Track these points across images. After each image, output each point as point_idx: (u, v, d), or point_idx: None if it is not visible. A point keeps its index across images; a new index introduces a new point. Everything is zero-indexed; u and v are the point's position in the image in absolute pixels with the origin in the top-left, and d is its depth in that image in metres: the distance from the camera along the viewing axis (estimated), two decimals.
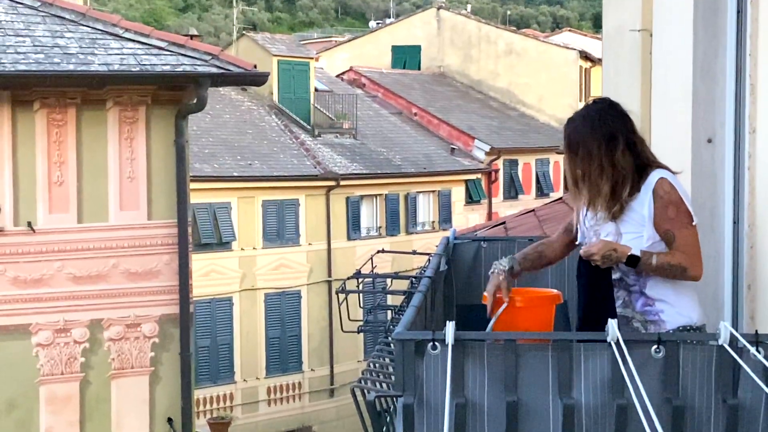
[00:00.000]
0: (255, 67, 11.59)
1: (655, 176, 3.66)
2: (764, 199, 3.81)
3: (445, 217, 29.62)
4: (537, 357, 3.01)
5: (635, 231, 3.68)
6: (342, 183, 26.38)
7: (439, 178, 29.67)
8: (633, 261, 3.59)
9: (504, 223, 13.56)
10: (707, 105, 4.55)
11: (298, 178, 25.82)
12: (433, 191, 29.54)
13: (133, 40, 11.23)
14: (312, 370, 26.09)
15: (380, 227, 27.91)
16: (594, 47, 37.41)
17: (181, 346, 11.25)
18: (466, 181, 30.88)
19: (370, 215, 27.79)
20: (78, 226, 10.93)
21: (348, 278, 4.25)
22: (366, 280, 4.73)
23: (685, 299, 3.65)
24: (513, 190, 33.38)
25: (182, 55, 11.15)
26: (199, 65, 11.05)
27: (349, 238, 26.89)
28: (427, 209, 29.39)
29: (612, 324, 2.91)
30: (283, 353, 25.64)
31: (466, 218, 29.72)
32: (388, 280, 5.27)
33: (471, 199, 31.01)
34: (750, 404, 2.92)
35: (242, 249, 24.90)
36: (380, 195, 27.91)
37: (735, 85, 4.47)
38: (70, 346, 10.87)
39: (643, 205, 3.66)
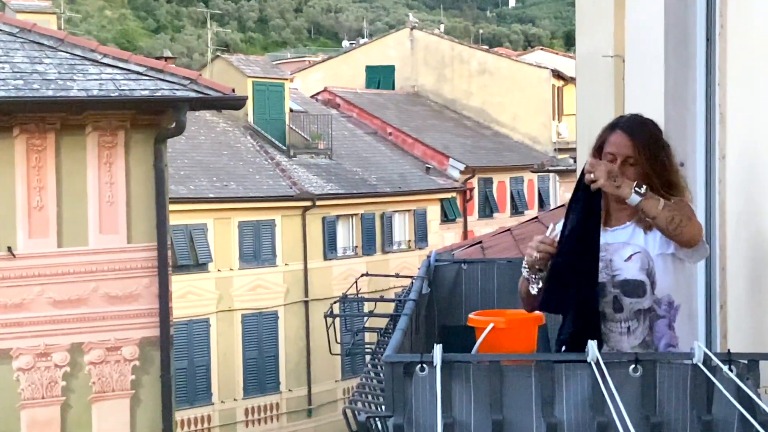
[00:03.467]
0: (233, 91, 11.72)
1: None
2: (734, 223, 3.96)
3: (420, 236, 29.76)
4: (521, 377, 3.13)
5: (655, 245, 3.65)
6: (318, 203, 26.49)
7: (415, 197, 29.83)
8: (640, 189, 3.52)
9: (481, 242, 13.72)
10: (679, 130, 4.70)
11: (274, 199, 25.91)
12: (409, 210, 29.69)
13: (112, 65, 11.34)
14: (290, 390, 26.12)
15: (356, 247, 28.02)
16: (566, 66, 37.76)
17: (162, 369, 11.33)
18: (441, 200, 31.05)
19: (346, 235, 27.89)
20: (58, 250, 11.00)
21: (335, 302, 4.36)
22: (350, 303, 4.84)
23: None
24: (488, 209, 33.59)
25: (160, 79, 11.27)
26: (177, 90, 11.17)
27: (325, 258, 26.97)
28: (402, 228, 29.53)
29: (592, 345, 3.04)
30: (260, 374, 25.66)
31: (442, 237, 29.88)
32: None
33: (446, 218, 31.18)
34: (723, 420, 3.05)
35: (219, 270, 24.94)
36: (356, 215, 28.04)
37: (705, 111, 4.64)
38: (50, 370, 10.92)
39: None
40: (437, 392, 2.86)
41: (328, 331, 4.04)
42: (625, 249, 3.63)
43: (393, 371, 3.11)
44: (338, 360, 26.84)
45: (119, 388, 11.18)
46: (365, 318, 4.76)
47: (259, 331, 25.65)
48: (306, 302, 26.27)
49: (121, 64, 11.35)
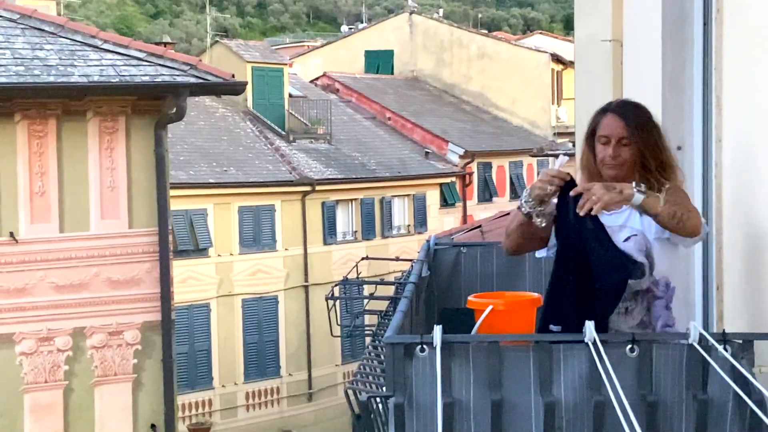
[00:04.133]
0: (233, 76, 11.76)
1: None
2: (730, 205, 4.01)
3: (420, 220, 29.81)
4: (519, 358, 3.19)
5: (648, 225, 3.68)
6: (317, 188, 26.53)
7: (414, 182, 29.86)
8: (641, 190, 3.50)
9: (480, 226, 13.80)
10: (676, 114, 4.75)
11: (274, 184, 25.94)
12: (408, 195, 29.73)
13: (112, 51, 11.38)
14: (290, 374, 26.21)
15: (356, 231, 28.07)
16: (565, 50, 37.73)
17: (164, 353, 11.41)
18: (441, 185, 31.08)
19: (346, 220, 27.94)
20: (60, 235, 11.06)
21: (335, 285, 4.42)
22: (351, 286, 4.90)
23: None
24: (487, 193, 33.62)
25: (161, 65, 11.31)
26: (177, 75, 11.21)
27: (325, 243, 27.03)
28: (402, 213, 29.57)
29: (589, 325, 3.10)
30: (261, 358, 25.74)
31: (441, 221, 29.92)
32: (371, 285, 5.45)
33: (446, 203, 31.20)
34: (718, 399, 3.11)
35: (219, 255, 24.99)
36: (355, 199, 28.07)
37: (702, 95, 4.68)
38: (53, 354, 11.00)
39: None
40: (437, 372, 2.92)
41: (329, 314, 4.10)
42: (622, 231, 3.66)
43: (394, 352, 3.17)
44: (338, 344, 26.93)
45: (121, 372, 11.26)
46: (365, 301, 4.82)
47: (260, 315, 25.73)
48: (306, 287, 26.34)
49: (121, 50, 11.40)
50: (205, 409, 24.54)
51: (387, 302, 5.27)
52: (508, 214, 14.09)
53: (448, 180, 31.41)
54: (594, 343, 3.03)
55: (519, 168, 35.11)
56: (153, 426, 11.34)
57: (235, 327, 25.28)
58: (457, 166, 32.22)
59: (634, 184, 3.53)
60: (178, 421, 19.38)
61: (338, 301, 4.35)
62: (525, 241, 3.89)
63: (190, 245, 24.11)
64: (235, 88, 12.21)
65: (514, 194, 34.17)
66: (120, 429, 11.23)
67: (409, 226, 29.64)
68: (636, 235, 3.63)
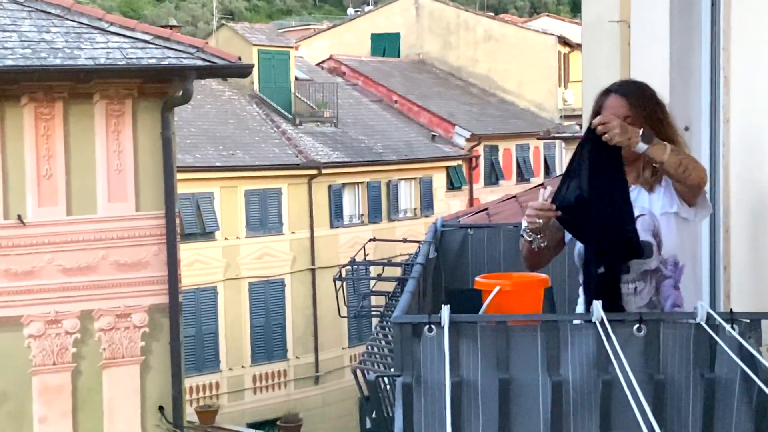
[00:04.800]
0: (240, 59, 11.75)
1: None
2: (738, 185, 4.01)
3: (426, 203, 29.81)
4: (527, 337, 3.20)
5: (668, 203, 3.69)
6: (324, 171, 26.52)
7: (421, 165, 29.84)
8: (647, 137, 3.53)
9: (486, 209, 13.76)
10: (683, 95, 4.75)
11: (280, 167, 25.95)
12: (415, 178, 29.72)
13: (119, 34, 11.37)
14: (297, 357, 26.28)
15: (362, 215, 28.08)
16: (572, 32, 37.62)
17: (171, 336, 11.43)
18: (447, 168, 31.06)
19: (352, 203, 27.95)
20: (67, 218, 11.08)
21: (343, 266, 4.43)
22: (359, 267, 4.91)
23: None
24: (494, 176, 33.60)
25: (167, 48, 11.30)
26: (184, 58, 11.21)
27: (331, 226, 27.05)
28: (408, 196, 29.57)
29: (597, 304, 3.11)
30: (268, 341, 25.80)
31: (448, 205, 29.92)
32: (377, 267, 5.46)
33: (452, 186, 31.20)
34: (726, 378, 3.12)
35: (225, 238, 25.03)
36: (362, 183, 28.07)
37: (710, 76, 4.67)
38: (61, 336, 11.03)
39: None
40: (446, 352, 2.93)
41: (337, 295, 4.10)
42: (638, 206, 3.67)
43: (402, 332, 3.18)
44: (345, 327, 26.99)
45: (129, 354, 11.29)
46: (373, 282, 4.83)
47: (266, 298, 25.77)
48: (312, 270, 26.37)
49: (128, 33, 11.39)
50: (212, 392, 24.62)
51: (394, 284, 5.29)
52: (514, 197, 14.08)
53: (454, 163, 31.39)
54: (602, 323, 3.04)
55: (525, 151, 35.07)
56: (161, 408, 11.39)
57: (242, 310, 25.33)
58: (463, 149, 32.20)
59: (641, 131, 3.53)
60: (186, 403, 19.46)
61: (346, 282, 4.36)
62: (541, 257, 3.96)
63: (196, 228, 24.15)
64: (242, 71, 12.20)
65: (521, 177, 34.15)
66: (128, 411, 11.27)
67: (415, 209, 29.64)
68: (644, 214, 3.64)
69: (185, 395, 12.12)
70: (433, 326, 3.17)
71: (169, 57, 11.17)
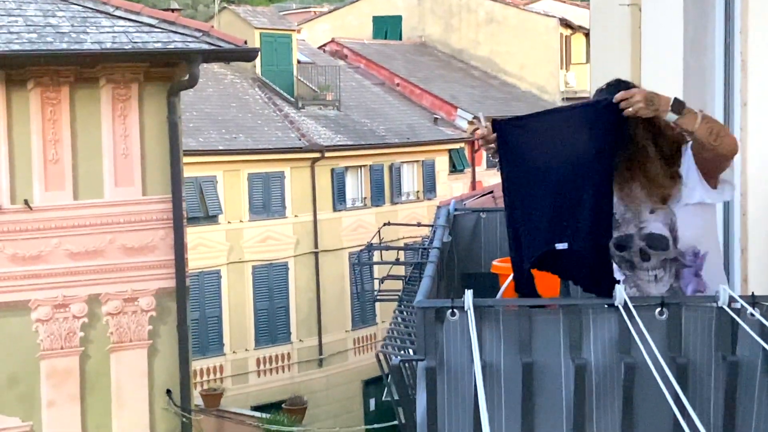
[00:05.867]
0: (245, 43, 11.74)
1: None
2: (755, 169, 4.02)
3: (429, 186, 29.80)
4: (549, 321, 3.22)
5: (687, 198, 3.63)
6: (326, 155, 26.51)
7: (423, 147, 29.82)
8: (678, 106, 3.42)
9: (492, 192, 13.81)
10: (697, 78, 4.75)
11: (283, 151, 25.93)
12: (417, 161, 29.71)
13: (124, 18, 11.36)
14: (300, 340, 26.33)
15: (365, 198, 28.08)
16: (574, 14, 37.55)
17: (178, 319, 11.46)
18: (450, 151, 31.04)
19: (355, 186, 27.94)
20: (74, 203, 11.08)
21: (361, 250, 4.44)
22: (372, 252, 4.93)
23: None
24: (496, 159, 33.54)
25: (173, 32, 11.29)
26: (190, 42, 11.19)
27: (334, 209, 27.05)
28: (411, 179, 29.56)
29: (619, 288, 3.13)
30: (271, 324, 25.85)
31: (450, 187, 29.91)
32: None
33: (455, 169, 31.18)
34: (748, 361, 3.14)
35: (229, 222, 25.04)
36: (365, 166, 28.06)
37: (724, 60, 4.68)
38: (69, 321, 11.06)
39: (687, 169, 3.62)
40: (472, 336, 2.95)
41: (356, 279, 4.12)
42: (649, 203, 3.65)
43: (425, 316, 3.20)
44: (348, 310, 27.04)
45: (137, 338, 11.32)
46: (388, 266, 4.85)
47: (270, 282, 25.80)
48: (316, 253, 26.40)
49: (133, 17, 11.38)
50: (217, 375, 24.68)
51: (401, 267, 5.30)
52: None
53: (457, 146, 31.36)
54: (625, 306, 3.06)
55: None
56: (169, 392, 11.43)
57: (246, 293, 25.37)
58: (465, 131, 32.17)
59: (672, 99, 3.43)
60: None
61: (363, 266, 4.38)
62: None
63: (200, 212, 24.16)
64: (247, 55, 12.21)
65: None
66: (136, 395, 11.31)
67: (418, 192, 29.64)
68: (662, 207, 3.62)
69: (192, 378, 12.16)
70: (455, 310, 3.19)
71: (175, 41, 11.16)
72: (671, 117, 3.43)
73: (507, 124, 3.63)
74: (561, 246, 3.44)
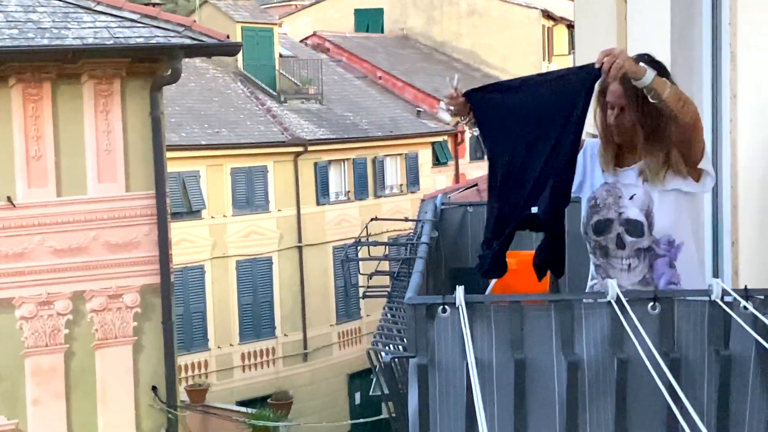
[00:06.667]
0: (228, 37, 11.68)
1: None
2: (745, 161, 4.01)
3: (412, 179, 29.77)
4: (540, 316, 3.20)
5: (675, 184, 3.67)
6: (309, 148, 26.44)
7: (406, 141, 29.78)
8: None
9: (477, 185, 13.80)
10: (685, 71, 4.73)
11: (266, 145, 25.85)
12: (400, 154, 29.67)
13: (106, 13, 11.29)
14: (285, 335, 26.28)
15: (349, 192, 28.04)
16: (556, 5, 37.54)
17: (163, 315, 11.42)
18: (433, 144, 31.02)
19: (339, 180, 27.89)
20: (57, 199, 11.02)
21: (349, 246, 4.41)
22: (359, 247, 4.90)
23: (701, 281, 3.61)
24: (479, 151, 33.50)
25: (155, 27, 11.23)
26: (172, 37, 11.13)
27: (318, 203, 27.00)
28: (394, 172, 29.52)
29: (612, 283, 3.11)
30: (255, 319, 25.79)
31: (434, 180, 29.90)
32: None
33: (438, 161, 31.16)
34: (740, 355, 3.13)
35: (212, 217, 24.96)
36: (348, 159, 28.01)
37: (711, 51, 4.66)
38: (53, 318, 10.99)
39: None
40: (466, 332, 2.92)
41: (344, 275, 4.10)
42: (629, 189, 3.68)
43: (416, 313, 3.18)
44: (333, 304, 27.01)
45: (121, 335, 11.27)
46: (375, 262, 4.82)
47: (254, 276, 25.74)
48: (299, 248, 26.34)
49: (115, 12, 11.31)
50: (201, 371, 24.61)
51: (389, 262, 5.27)
52: None
53: (440, 138, 31.34)
54: (617, 301, 3.04)
55: None
56: (154, 388, 11.38)
57: (230, 288, 25.31)
58: (448, 124, 32.14)
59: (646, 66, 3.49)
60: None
61: (351, 262, 4.35)
62: None
63: (183, 207, 24.06)
64: (230, 49, 12.16)
65: None
66: (121, 392, 11.26)
67: (401, 185, 29.61)
68: (637, 193, 3.63)
69: (178, 374, 12.11)
70: (447, 307, 3.17)
71: (157, 36, 11.10)
72: (648, 78, 3.47)
73: (481, 92, 3.72)
74: (534, 209, 3.59)
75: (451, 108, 3.74)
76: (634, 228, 3.64)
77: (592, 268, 3.76)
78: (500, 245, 3.62)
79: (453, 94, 3.77)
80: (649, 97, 3.51)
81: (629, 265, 3.65)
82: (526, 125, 3.62)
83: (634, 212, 3.64)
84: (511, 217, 3.61)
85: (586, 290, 3.75)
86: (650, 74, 3.46)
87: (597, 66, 3.48)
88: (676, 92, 3.52)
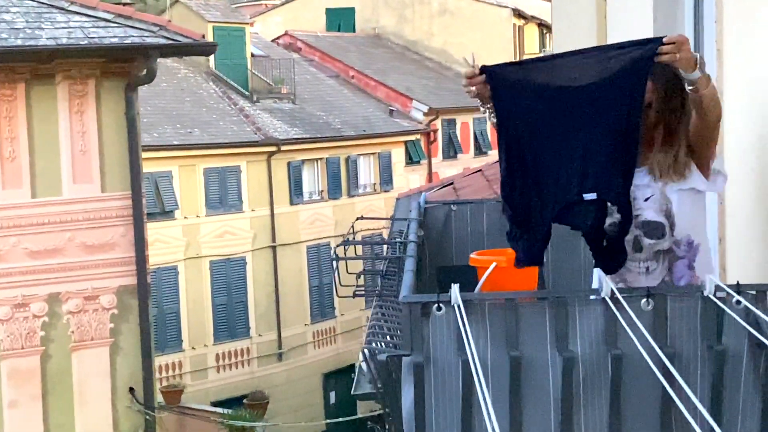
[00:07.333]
0: (203, 37, 11.65)
1: None
2: (734, 159, 4.04)
3: (386, 178, 29.81)
4: (535, 314, 3.21)
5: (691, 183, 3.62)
6: (283, 148, 26.42)
7: (379, 140, 29.82)
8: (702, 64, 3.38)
9: (452, 183, 13.79)
10: None
11: (239, 145, 25.81)
12: (374, 153, 29.69)
13: (80, 13, 11.23)
14: (260, 335, 26.24)
15: (322, 191, 28.03)
16: (527, 4, 37.67)
17: (140, 317, 11.36)
18: (406, 143, 31.06)
19: (312, 179, 27.88)
20: (32, 201, 10.95)
21: (337, 245, 4.41)
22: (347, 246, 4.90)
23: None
24: (452, 150, 33.63)
25: (129, 26, 11.17)
26: (147, 36, 11.08)
27: (291, 203, 26.98)
28: (367, 171, 29.54)
29: (605, 278, 3.12)
30: (230, 319, 25.73)
31: (407, 179, 29.93)
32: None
33: (411, 160, 31.21)
34: (733, 350, 3.15)
35: (185, 217, 24.89)
36: (321, 159, 28.01)
37: (694, 48, 4.68)
38: (29, 320, 10.92)
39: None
40: (463, 331, 2.93)
41: (333, 275, 4.10)
42: (643, 190, 3.60)
43: (411, 311, 3.18)
44: (307, 303, 27.00)
45: (98, 336, 11.21)
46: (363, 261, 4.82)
47: (228, 277, 25.68)
48: (273, 247, 26.32)
49: (89, 12, 11.24)
50: (176, 372, 24.53)
51: (370, 261, 5.28)
52: (480, 170, 14.10)
53: (412, 137, 31.39)
54: (612, 297, 3.06)
55: (483, 124, 35.11)
56: (132, 389, 11.33)
57: (204, 289, 25.24)
58: (421, 123, 32.19)
59: (698, 57, 3.40)
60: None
61: (340, 261, 4.35)
62: None
63: (156, 208, 23.96)
64: (205, 49, 12.12)
65: (479, 150, 34.22)
66: (99, 393, 11.20)
67: (375, 184, 29.63)
68: (655, 194, 3.57)
69: (155, 375, 12.06)
70: (441, 305, 3.17)
71: (132, 36, 11.05)
72: (696, 74, 3.39)
73: (501, 69, 3.46)
74: (589, 196, 3.33)
75: (472, 89, 3.50)
76: (654, 230, 3.57)
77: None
78: (539, 236, 3.43)
79: (471, 74, 3.49)
80: (688, 90, 3.43)
81: (647, 268, 3.59)
82: (561, 105, 3.35)
83: (651, 214, 3.58)
84: (547, 206, 3.37)
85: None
86: (698, 72, 3.38)
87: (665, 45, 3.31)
88: (713, 91, 3.46)
